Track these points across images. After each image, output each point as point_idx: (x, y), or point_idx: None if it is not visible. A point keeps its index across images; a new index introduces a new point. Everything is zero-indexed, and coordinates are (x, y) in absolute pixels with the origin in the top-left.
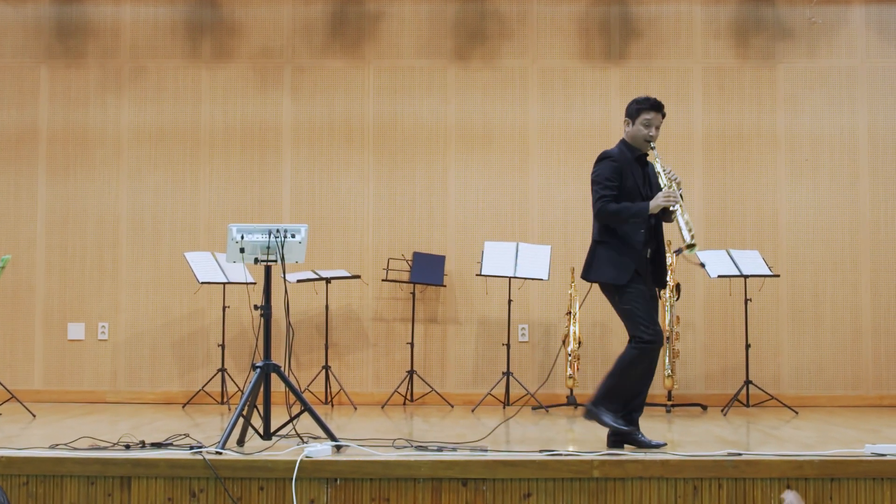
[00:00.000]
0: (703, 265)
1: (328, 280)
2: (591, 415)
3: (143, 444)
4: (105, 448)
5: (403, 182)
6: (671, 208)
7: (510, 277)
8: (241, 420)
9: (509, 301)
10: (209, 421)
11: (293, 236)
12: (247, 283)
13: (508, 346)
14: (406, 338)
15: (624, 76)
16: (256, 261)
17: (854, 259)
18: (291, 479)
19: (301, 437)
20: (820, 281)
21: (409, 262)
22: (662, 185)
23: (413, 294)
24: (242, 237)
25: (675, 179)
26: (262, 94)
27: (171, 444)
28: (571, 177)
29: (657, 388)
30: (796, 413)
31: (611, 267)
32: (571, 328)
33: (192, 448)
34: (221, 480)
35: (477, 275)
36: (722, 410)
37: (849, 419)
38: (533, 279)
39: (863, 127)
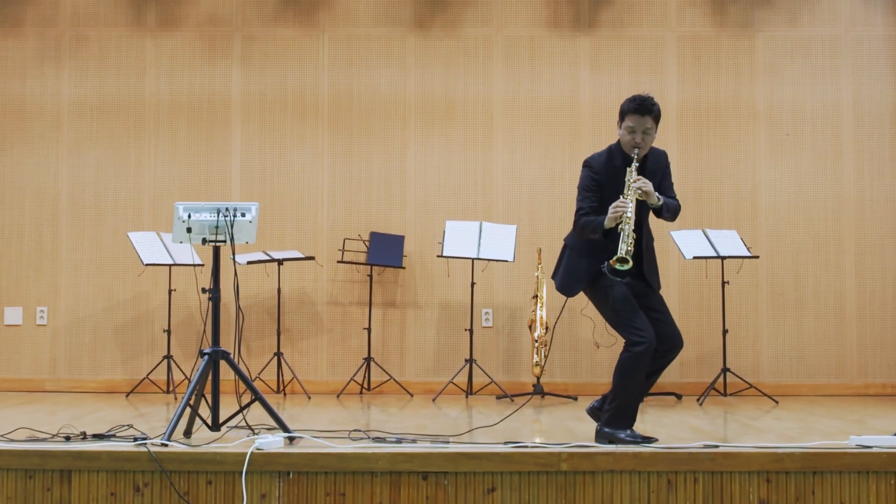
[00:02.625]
0: (624, 277)
1: (280, 262)
2: (603, 436)
3: (84, 436)
4: (44, 440)
5: (360, 158)
6: (619, 221)
7: (473, 259)
8: (188, 410)
9: (472, 284)
10: (154, 411)
11: (243, 215)
12: (194, 265)
13: (471, 331)
14: (363, 323)
15: (594, 45)
16: (204, 241)
17: (838, 239)
18: (241, 472)
19: (252, 429)
20: (801, 263)
21: (366, 243)
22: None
23: (370, 276)
24: (189, 216)
25: (639, 186)
26: (210, 65)
27: (113, 436)
28: (538, 153)
29: None
30: (776, 402)
31: (564, 274)
32: (538, 312)
33: (136, 440)
34: (167, 474)
35: (438, 256)
36: (698, 400)
37: (832, 409)
38: (497, 261)
39: (847, 99)
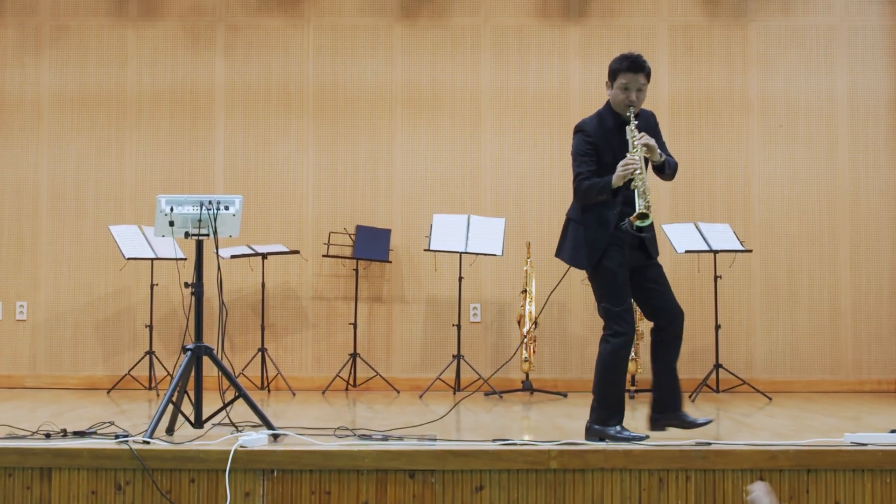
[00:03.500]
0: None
1: (264, 256)
2: (592, 433)
3: (64, 433)
4: (23, 437)
5: (346, 150)
6: (631, 177)
7: (461, 253)
8: (170, 407)
9: (460, 278)
10: (136, 408)
11: (226, 208)
12: (176, 259)
13: (459, 326)
14: (348, 318)
15: (584, 35)
16: (187, 235)
17: (832, 233)
18: (225, 470)
19: (235, 426)
20: (795, 257)
21: (352, 237)
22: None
23: (356, 271)
24: (172, 209)
25: (644, 143)
26: (192, 55)
27: (94, 433)
28: (527, 144)
29: None
30: (770, 399)
31: (573, 247)
32: (527, 308)
33: (117, 437)
34: (149, 472)
35: (425, 250)
36: (690, 396)
37: (827, 406)
38: (486, 255)
39: (842, 90)
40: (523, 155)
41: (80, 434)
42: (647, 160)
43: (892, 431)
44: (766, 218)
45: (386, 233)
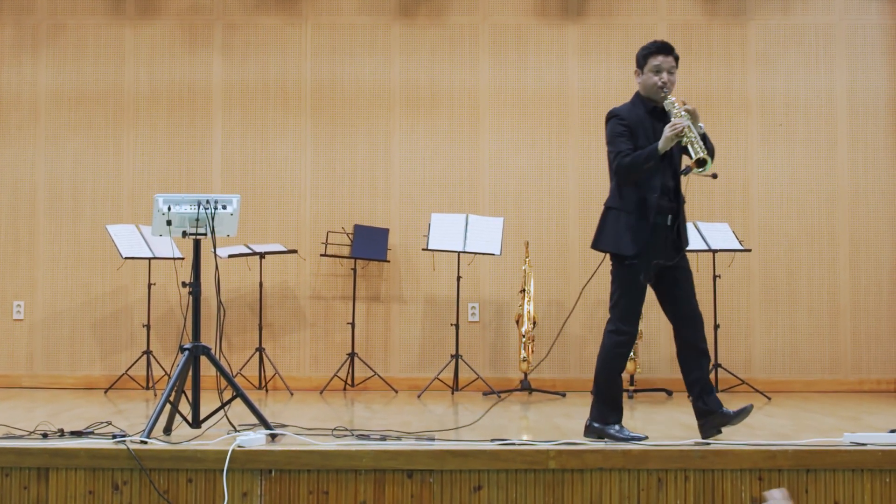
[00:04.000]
0: (714, 176)
1: (262, 255)
2: (592, 431)
3: (61, 433)
4: (20, 437)
5: (344, 149)
6: (681, 136)
7: (459, 252)
8: (167, 407)
9: (458, 278)
10: (133, 407)
11: (224, 208)
12: (174, 259)
13: (457, 326)
14: (346, 317)
15: (582, 34)
16: (185, 234)
17: (831, 232)
18: (222, 470)
19: (233, 426)
20: (794, 256)
21: (350, 236)
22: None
23: (354, 270)
24: (169, 209)
25: (688, 109)
26: (190, 54)
27: (92, 433)
28: (525, 143)
29: None
30: (769, 399)
31: (616, 234)
32: (525, 307)
33: (114, 437)
34: (147, 472)
35: (423, 249)
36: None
37: (826, 405)
38: (484, 254)
39: (841, 89)
40: (522, 154)
41: (77, 434)
42: (678, 162)
43: (892, 431)
44: (765, 217)
45: (384, 232)
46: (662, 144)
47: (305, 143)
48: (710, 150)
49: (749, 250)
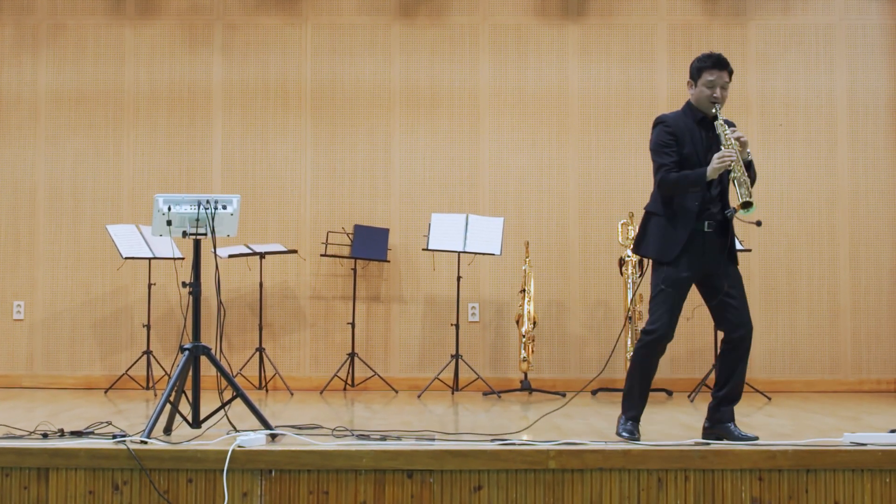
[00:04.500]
0: (758, 223)
1: (262, 255)
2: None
3: (61, 433)
4: (20, 437)
5: (344, 149)
6: (729, 169)
7: (459, 252)
8: (167, 407)
9: (458, 278)
10: (133, 408)
11: (224, 208)
12: (174, 259)
13: (457, 326)
14: (347, 317)
15: (582, 34)
16: (185, 234)
17: (832, 232)
18: (222, 470)
19: (233, 426)
20: (794, 256)
21: (350, 236)
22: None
23: (354, 270)
24: (169, 209)
25: (737, 137)
26: (190, 54)
27: (92, 433)
28: (525, 143)
29: (619, 373)
30: (769, 399)
31: (658, 240)
32: (526, 307)
33: (114, 437)
34: (147, 472)
35: (423, 249)
36: (689, 396)
37: (826, 405)
38: (484, 254)
39: (841, 89)
40: (522, 154)
41: (77, 434)
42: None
43: (892, 431)
44: (765, 217)
45: (384, 232)
46: (710, 174)
47: (305, 143)
48: (753, 179)
49: (749, 250)
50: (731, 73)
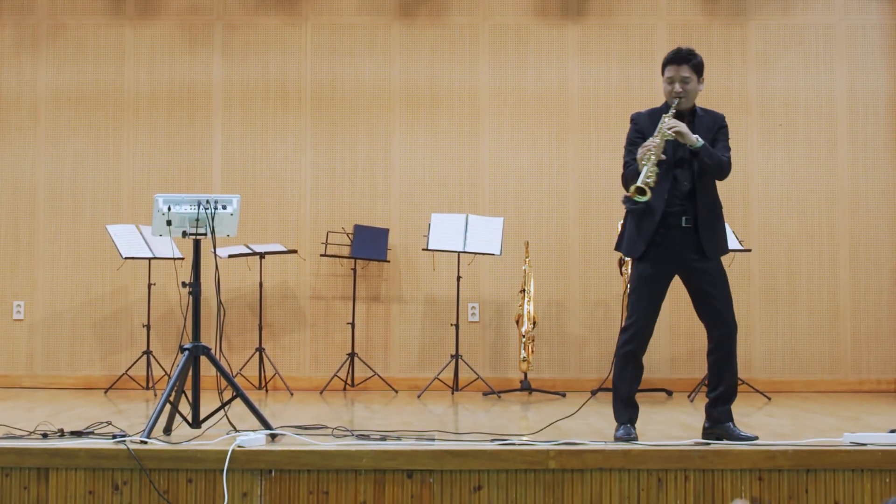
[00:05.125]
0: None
1: (262, 255)
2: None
3: (61, 433)
4: (20, 437)
5: (344, 149)
6: (645, 157)
7: (459, 252)
8: (167, 407)
9: (458, 278)
10: (133, 407)
11: (224, 208)
12: (174, 259)
13: (457, 326)
14: (346, 317)
15: (582, 34)
16: (184, 234)
17: (831, 232)
18: (222, 470)
19: (233, 426)
20: (794, 256)
21: (350, 236)
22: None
23: (354, 270)
24: (169, 209)
25: (670, 127)
26: (190, 54)
27: (92, 433)
28: (525, 143)
29: None
30: (769, 399)
31: (628, 237)
32: (525, 307)
33: (114, 437)
34: (147, 472)
35: (423, 249)
36: (688, 396)
37: (826, 405)
38: (484, 254)
39: (841, 89)
40: (522, 154)
41: (77, 434)
42: (692, 160)
43: (892, 431)
44: (764, 217)
45: (384, 232)
46: (638, 162)
47: (305, 143)
48: (708, 167)
49: (749, 250)
50: (694, 66)
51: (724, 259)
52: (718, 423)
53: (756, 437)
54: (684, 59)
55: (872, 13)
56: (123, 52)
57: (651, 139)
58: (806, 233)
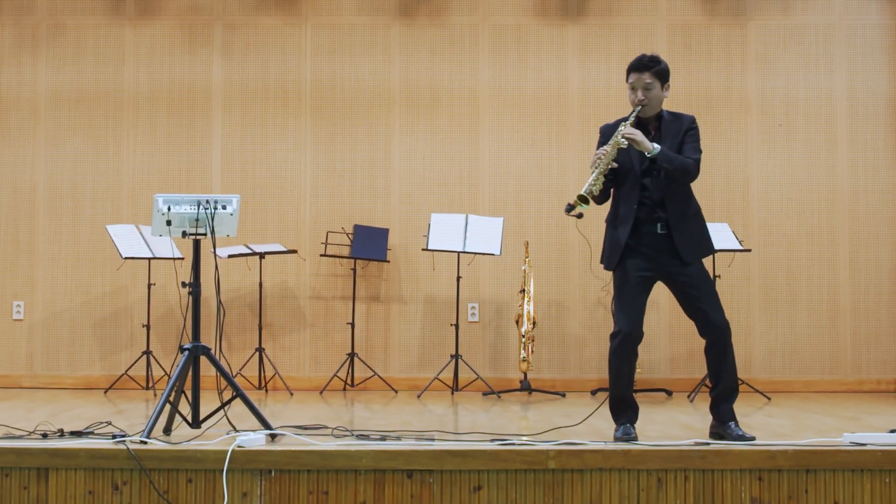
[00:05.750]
0: (579, 216)
1: (262, 255)
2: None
3: (61, 433)
4: (20, 437)
5: (343, 149)
6: (591, 168)
7: (459, 252)
8: (167, 407)
9: (458, 278)
10: (133, 408)
11: (224, 208)
12: (174, 259)
13: (457, 326)
14: (346, 317)
15: (582, 34)
16: (184, 234)
17: (831, 232)
18: (222, 470)
19: (233, 426)
20: (794, 256)
21: (350, 236)
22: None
23: (354, 270)
24: (169, 209)
25: (624, 133)
26: (190, 54)
27: (91, 433)
28: (525, 143)
29: None
30: (769, 399)
31: (606, 248)
32: (525, 307)
33: (114, 437)
34: (146, 472)
35: (423, 249)
36: (688, 396)
37: (825, 406)
38: (484, 254)
39: (841, 90)
40: (522, 154)
41: (76, 434)
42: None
43: (892, 431)
44: (764, 217)
45: (384, 232)
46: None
47: (305, 143)
48: (673, 165)
49: (749, 250)
50: (656, 73)
51: (725, 259)
52: (721, 421)
53: (753, 438)
54: (646, 67)
55: (872, 13)
56: (123, 52)
57: (603, 147)
58: (806, 233)
